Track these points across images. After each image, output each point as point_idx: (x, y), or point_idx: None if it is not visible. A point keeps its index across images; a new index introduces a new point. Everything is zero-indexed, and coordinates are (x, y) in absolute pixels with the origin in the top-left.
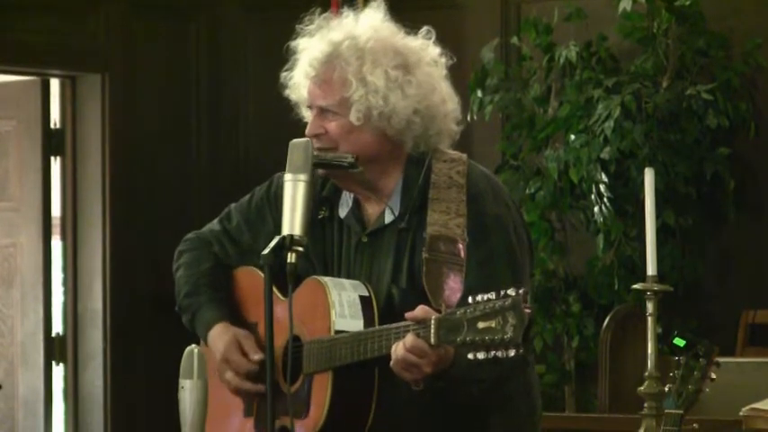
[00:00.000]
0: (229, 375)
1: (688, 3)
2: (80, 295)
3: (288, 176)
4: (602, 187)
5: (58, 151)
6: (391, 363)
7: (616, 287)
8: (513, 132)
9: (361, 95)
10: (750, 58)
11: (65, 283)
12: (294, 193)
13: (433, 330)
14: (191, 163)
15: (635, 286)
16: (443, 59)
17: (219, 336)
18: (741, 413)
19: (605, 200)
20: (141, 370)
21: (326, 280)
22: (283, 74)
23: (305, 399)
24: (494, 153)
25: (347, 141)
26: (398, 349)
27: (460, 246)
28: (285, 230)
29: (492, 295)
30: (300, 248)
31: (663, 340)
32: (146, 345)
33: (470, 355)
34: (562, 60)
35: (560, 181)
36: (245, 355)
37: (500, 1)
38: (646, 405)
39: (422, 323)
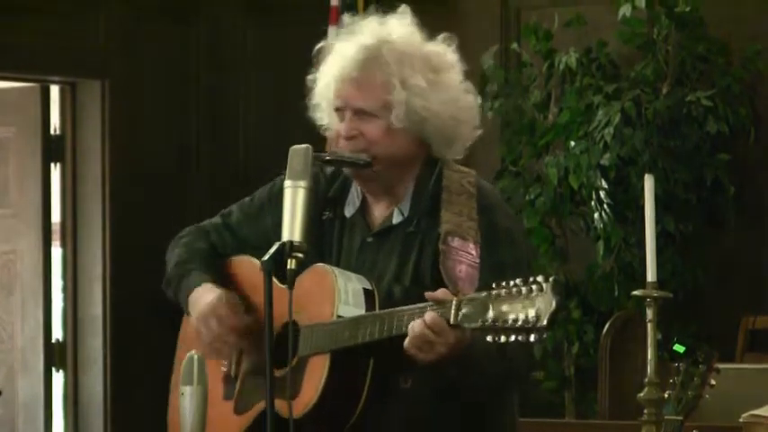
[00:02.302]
0: (214, 323)
1: (688, 9)
2: (80, 301)
3: (287, 183)
4: (602, 193)
5: (58, 157)
6: (406, 341)
7: (616, 293)
8: (512, 138)
9: (402, 98)
10: (750, 65)
11: (64, 290)
12: (294, 199)
13: (453, 310)
14: (191, 168)
15: (635, 292)
16: (460, 66)
17: (208, 291)
18: (741, 419)
19: (605, 206)
20: (141, 376)
21: (334, 268)
22: (309, 77)
23: (298, 381)
24: (494, 159)
25: (382, 144)
26: (416, 325)
27: (473, 245)
28: (285, 236)
29: (519, 281)
30: (300, 255)
31: (663, 346)
32: (146, 351)
33: (490, 338)
34: (562, 66)
35: (560, 187)
36: (236, 312)
37: (500, 7)
38: (645, 411)
39: (441, 304)
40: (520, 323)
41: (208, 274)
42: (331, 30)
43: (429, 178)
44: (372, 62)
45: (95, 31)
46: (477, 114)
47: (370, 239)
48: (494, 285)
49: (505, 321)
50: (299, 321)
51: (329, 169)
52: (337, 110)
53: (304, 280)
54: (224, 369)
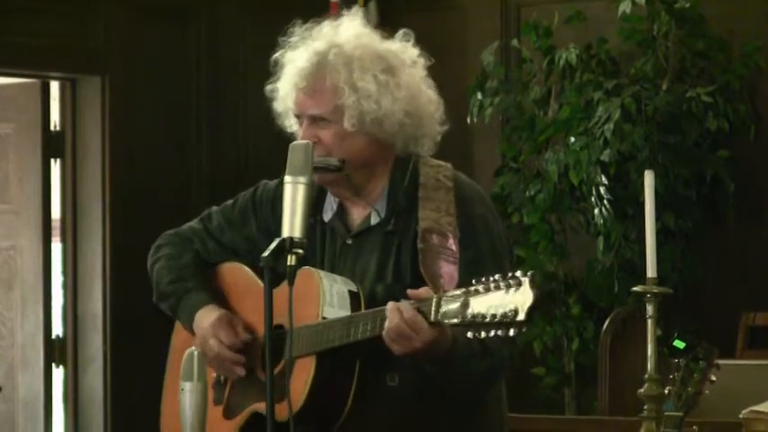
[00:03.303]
0: (213, 342)
1: (688, 5)
2: (80, 298)
3: (288, 179)
4: (602, 189)
5: (58, 153)
6: (384, 331)
7: (616, 289)
8: (513, 135)
9: (353, 102)
10: (750, 61)
11: (65, 286)
12: (294, 195)
13: (433, 308)
14: (191, 165)
15: (635, 288)
16: (422, 60)
17: (208, 313)
18: (741, 415)
19: (605, 202)
20: (141, 373)
21: (319, 270)
22: (268, 87)
23: (284, 384)
24: (494, 155)
25: (341, 148)
26: (393, 317)
27: (452, 240)
28: (285, 232)
29: (498, 276)
30: (300, 251)
31: (663, 342)
32: (146, 347)
33: (470, 334)
34: (562, 63)
35: (560, 183)
36: (234, 330)
37: (500, 4)
38: (645, 407)
39: (423, 301)
40: (498, 318)
41: (205, 292)
42: None
43: (403, 176)
44: (321, 68)
45: (95, 27)
46: (440, 109)
47: (349, 242)
48: (473, 282)
49: (484, 317)
50: (285, 324)
51: None
52: (297, 117)
53: None
54: (213, 374)
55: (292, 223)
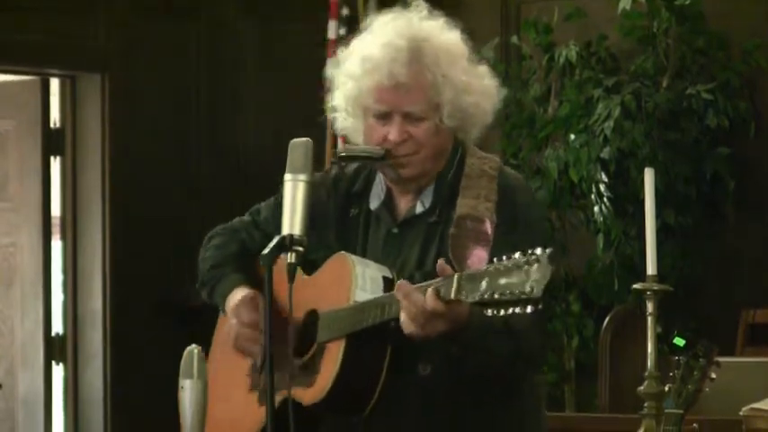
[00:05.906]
0: (234, 323)
1: (688, 2)
2: (80, 295)
3: (288, 176)
4: (601, 187)
5: (58, 151)
6: (404, 318)
7: (616, 287)
8: (512, 132)
9: (452, 97)
10: (750, 58)
11: (65, 283)
12: (294, 192)
13: (454, 286)
14: (191, 162)
15: (635, 286)
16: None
17: (236, 294)
18: (741, 413)
19: (605, 199)
20: (141, 370)
21: (353, 256)
22: (347, 84)
23: (314, 369)
24: (494, 152)
25: (431, 144)
26: (411, 302)
27: (488, 224)
28: (285, 230)
29: (518, 255)
30: (300, 248)
31: (663, 340)
32: (146, 345)
33: (489, 312)
34: (562, 60)
35: (560, 180)
36: (255, 309)
37: (500, 0)
38: (646, 405)
39: (445, 279)
40: (516, 294)
41: (239, 275)
42: (331, 24)
43: (450, 166)
44: (417, 64)
45: (95, 24)
46: (497, 96)
47: (395, 230)
48: (494, 260)
49: (503, 294)
50: (319, 309)
51: (351, 166)
52: (384, 115)
53: (325, 268)
54: (251, 361)
55: (292, 221)
